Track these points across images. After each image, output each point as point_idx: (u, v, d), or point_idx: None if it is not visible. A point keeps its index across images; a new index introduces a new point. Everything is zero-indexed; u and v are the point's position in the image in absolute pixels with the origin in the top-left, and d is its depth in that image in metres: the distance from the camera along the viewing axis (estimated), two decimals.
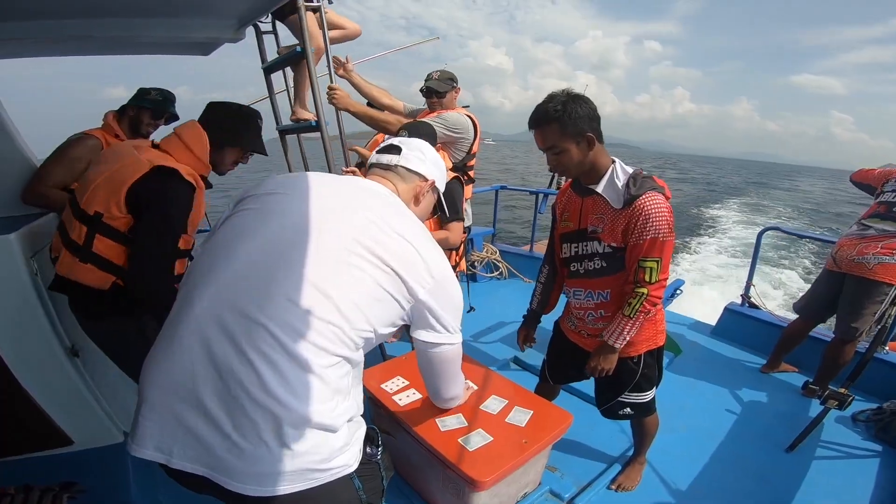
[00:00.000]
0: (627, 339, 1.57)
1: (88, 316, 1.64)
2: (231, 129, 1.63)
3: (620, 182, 1.48)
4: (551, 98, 1.43)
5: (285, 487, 0.83)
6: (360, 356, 0.95)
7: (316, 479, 0.86)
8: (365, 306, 0.89)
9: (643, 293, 1.49)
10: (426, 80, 2.57)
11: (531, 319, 1.97)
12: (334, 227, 0.91)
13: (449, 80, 2.55)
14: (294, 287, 0.83)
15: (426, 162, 1.14)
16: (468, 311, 3.39)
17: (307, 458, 0.84)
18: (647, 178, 1.47)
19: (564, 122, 1.40)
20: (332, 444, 0.87)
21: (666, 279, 1.50)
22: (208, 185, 1.68)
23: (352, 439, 0.94)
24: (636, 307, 1.51)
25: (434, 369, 1.16)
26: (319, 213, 0.93)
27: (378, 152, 1.15)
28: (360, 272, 0.88)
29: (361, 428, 1.00)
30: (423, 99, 2.64)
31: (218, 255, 0.92)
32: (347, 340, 0.88)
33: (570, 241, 1.67)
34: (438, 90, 2.53)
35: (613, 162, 1.52)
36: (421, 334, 1.04)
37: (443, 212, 1.28)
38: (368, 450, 1.02)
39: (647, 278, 1.48)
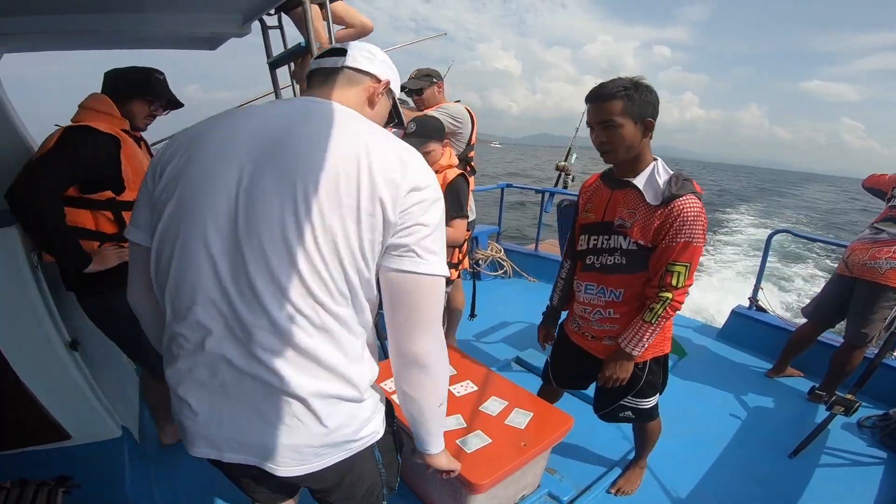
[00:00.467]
0: (646, 346, 1.52)
1: (82, 291, 1.71)
2: (126, 84, 1.74)
3: (661, 179, 1.44)
4: (620, 79, 1.40)
5: (327, 461, 0.89)
6: (362, 308, 0.86)
7: (351, 449, 0.91)
8: (349, 266, 0.80)
9: (668, 298, 1.44)
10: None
11: (551, 317, 1.91)
12: (277, 191, 0.77)
13: (426, 77, 2.60)
14: (274, 284, 0.77)
15: (376, 61, 0.98)
16: (470, 319, 3.35)
17: (342, 431, 0.88)
18: (688, 180, 1.44)
19: (633, 99, 1.37)
20: (361, 414, 0.91)
21: (690, 285, 1.46)
22: (139, 140, 1.82)
23: (377, 406, 0.97)
24: (659, 312, 1.46)
25: (397, 305, 0.86)
26: (257, 178, 0.78)
27: (319, 57, 0.98)
28: (327, 236, 0.76)
29: (382, 394, 1.02)
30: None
31: (183, 262, 0.81)
32: (346, 310, 0.83)
33: (590, 232, 1.62)
34: (413, 88, 2.58)
35: (655, 160, 1.49)
36: (387, 259, 0.83)
37: (399, 120, 1.13)
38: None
39: (673, 282, 1.43)
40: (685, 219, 1.38)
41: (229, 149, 0.81)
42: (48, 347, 1.66)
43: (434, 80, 2.61)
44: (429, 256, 0.84)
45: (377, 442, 0.98)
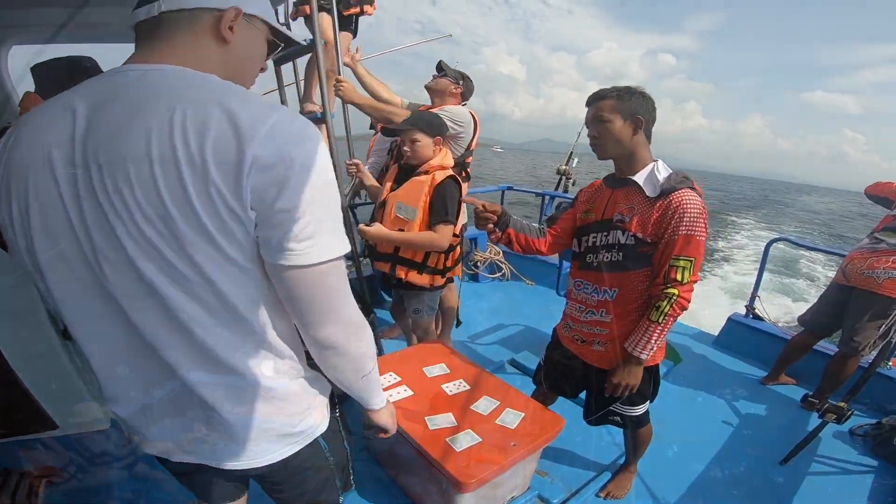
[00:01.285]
0: (655, 348, 1.49)
1: None
2: (50, 78, 1.66)
3: (661, 175, 1.46)
4: (616, 86, 1.51)
5: (268, 457, 0.87)
6: (247, 303, 0.74)
7: (295, 443, 0.89)
8: (216, 274, 0.69)
9: (673, 294, 1.41)
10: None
11: (503, 214, 1.68)
12: (106, 220, 0.65)
13: (458, 73, 2.56)
14: (153, 314, 0.71)
15: None
16: (457, 326, 3.20)
17: (269, 425, 0.84)
18: (687, 178, 1.46)
19: (622, 98, 1.46)
20: (287, 409, 0.86)
21: (696, 282, 1.44)
22: None
23: (313, 400, 0.92)
24: (665, 310, 1.43)
25: (288, 296, 0.75)
26: (82, 205, 0.66)
27: (133, 10, 0.73)
28: (180, 252, 0.66)
29: (321, 385, 0.95)
30: (425, 96, 2.69)
31: (76, 321, 0.76)
32: (230, 313, 0.73)
33: (589, 232, 1.61)
34: (443, 67, 2.57)
35: (656, 160, 1.51)
36: (262, 250, 0.70)
37: (289, 44, 0.87)
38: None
39: (678, 277, 1.41)
40: (683, 211, 1.38)
41: (45, 176, 0.66)
42: (40, 334, 1.65)
43: (460, 80, 2.57)
44: (303, 246, 0.69)
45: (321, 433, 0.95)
